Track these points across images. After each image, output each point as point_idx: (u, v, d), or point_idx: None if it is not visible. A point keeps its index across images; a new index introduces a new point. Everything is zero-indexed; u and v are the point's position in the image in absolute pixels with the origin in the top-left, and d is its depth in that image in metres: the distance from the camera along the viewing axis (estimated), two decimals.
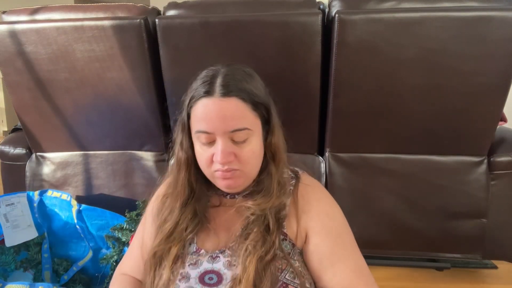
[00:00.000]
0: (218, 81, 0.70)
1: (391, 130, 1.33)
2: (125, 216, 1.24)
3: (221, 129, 0.68)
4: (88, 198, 1.54)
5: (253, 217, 0.71)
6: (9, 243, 1.19)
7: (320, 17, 1.20)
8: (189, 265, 0.70)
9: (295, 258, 0.72)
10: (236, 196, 0.79)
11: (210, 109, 0.68)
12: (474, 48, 1.17)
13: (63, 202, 1.27)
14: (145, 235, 0.83)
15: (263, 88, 0.76)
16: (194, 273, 0.69)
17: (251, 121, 0.70)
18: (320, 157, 1.41)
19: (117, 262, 1.16)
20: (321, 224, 0.72)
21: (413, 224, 1.39)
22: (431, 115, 1.28)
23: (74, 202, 1.24)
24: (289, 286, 0.68)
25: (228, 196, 0.80)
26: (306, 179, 0.79)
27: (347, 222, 0.77)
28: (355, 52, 1.22)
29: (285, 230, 0.72)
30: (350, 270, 0.69)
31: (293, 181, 0.77)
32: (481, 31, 1.15)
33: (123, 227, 1.20)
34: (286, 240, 0.72)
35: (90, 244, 1.27)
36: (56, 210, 1.28)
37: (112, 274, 1.03)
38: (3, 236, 1.19)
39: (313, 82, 1.28)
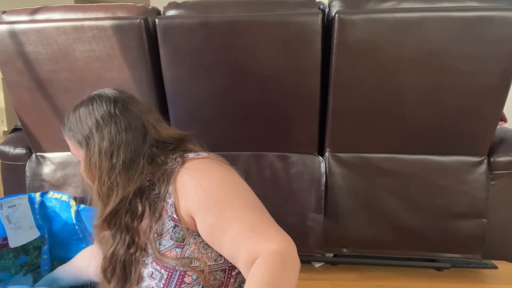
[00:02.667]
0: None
1: (391, 130, 1.33)
2: None
3: None
4: (88, 198, 1.54)
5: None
6: (13, 244, 1.19)
7: (320, 17, 1.20)
8: None
9: (191, 243, 0.74)
10: None
11: None
12: (474, 48, 1.17)
13: (63, 203, 1.27)
14: None
15: (88, 119, 0.81)
16: None
17: (72, 149, 0.86)
18: (320, 157, 1.41)
19: None
20: (198, 200, 0.71)
21: (413, 224, 1.39)
22: (431, 115, 1.28)
23: (72, 203, 1.24)
24: (187, 272, 0.74)
25: None
26: (189, 163, 0.77)
27: (238, 186, 0.74)
28: (355, 52, 1.22)
29: (175, 216, 0.74)
30: (241, 228, 0.66)
31: (177, 167, 0.77)
32: (481, 31, 1.15)
33: None
34: (178, 226, 0.74)
35: (89, 245, 1.27)
36: (56, 211, 1.28)
37: None
38: (6, 239, 1.19)
39: (313, 82, 1.28)
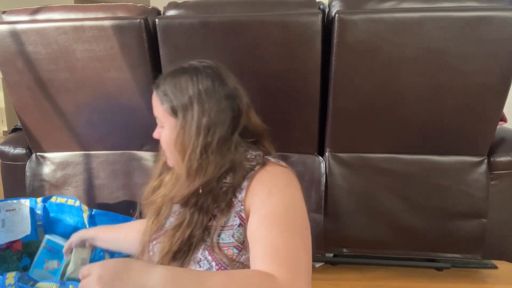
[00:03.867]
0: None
1: (391, 130, 1.33)
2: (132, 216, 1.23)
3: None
4: (88, 198, 1.54)
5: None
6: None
7: (320, 17, 1.20)
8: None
9: (248, 248, 0.72)
10: None
11: None
12: (474, 48, 1.17)
13: (72, 208, 1.25)
14: None
15: (190, 89, 0.77)
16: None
17: (161, 114, 0.79)
18: (320, 157, 1.41)
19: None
20: (259, 200, 0.71)
21: (413, 224, 1.39)
22: (431, 115, 1.28)
23: (84, 208, 1.23)
24: (229, 249, 0.72)
25: None
26: (271, 167, 0.76)
27: (299, 209, 0.73)
28: (355, 52, 1.22)
29: (243, 214, 0.73)
30: (265, 250, 0.65)
31: (257, 167, 0.76)
32: (481, 31, 1.15)
33: None
34: (242, 226, 0.73)
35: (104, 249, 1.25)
36: (62, 216, 1.27)
37: None
38: (5, 244, 1.19)
39: (313, 82, 1.28)
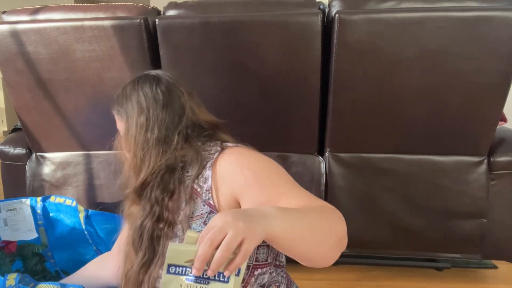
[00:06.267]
0: None
1: (391, 130, 1.33)
2: None
3: None
4: (88, 198, 1.54)
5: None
6: (5, 238, 1.18)
7: (320, 17, 1.20)
8: None
9: None
10: None
11: None
12: (474, 48, 1.17)
13: (68, 208, 1.25)
14: None
15: (132, 95, 0.86)
16: None
17: (117, 122, 0.91)
18: (320, 157, 1.41)
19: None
20: (245, 180, 0.73)
21: (413, 224, 1.39)
22: (431, 115, 1.28)
23: (80, 208, 1.23)
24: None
25: None
26: (231, 149, 0.80)
27: (281, 169, 0.78)
28: (355, 52, 1.22)
29: (212, 202, 0.75)
30: (297, 201, 0.69)
31: (216, 154, 0.79)
32: (481, 31, 1.15)
33: None
34: (213, 212, 0.75)
35: (99, 248, 1.26)
36: (61, 216, 1.27)
37: None
38: (4, 242, 1.18)
39: (313, 82, 1.28)
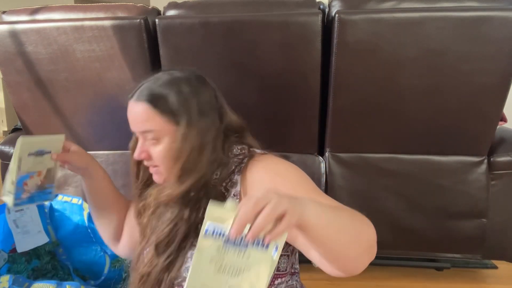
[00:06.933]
0: (140, 86, 0.77)
1: (391, 130, 1.33)
2: None
3: (135, 129, 0.77)
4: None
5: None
6: (20, 248, 1.17)
7: (320, 17, 1.20)
8: None
9: None
10: None
11: (128, 110, 0.77)
12: (474, 48, 1.17)
13: (74, 206, 1.25)
14: None
15: (186, 95, 0.76)
16: None
17: (160, 124, 0.74)
18: (320, 157, 1.41)
19: (131, 263, 1.14)
20: (274, 186, 0.71)
21: (413, 224, 1.39)
22: (431, 115, 1.28)
23: (86, 205, 1.23)
24: None
25: None
26: (260, 156, 0.79)
27: (307, 178, 0.76)
28: (355, 52, 1.22)
29: None
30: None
31: (245, 159, 0.78)
32: (481, 31, 1.15)
33: None
34: None
35: (103, 247, 1.26)
36: (66, 214, 1.27)
37: (125, 277, 1.03)
38: (14, 244, 1.18)
39: (313, 82, 1.28)
